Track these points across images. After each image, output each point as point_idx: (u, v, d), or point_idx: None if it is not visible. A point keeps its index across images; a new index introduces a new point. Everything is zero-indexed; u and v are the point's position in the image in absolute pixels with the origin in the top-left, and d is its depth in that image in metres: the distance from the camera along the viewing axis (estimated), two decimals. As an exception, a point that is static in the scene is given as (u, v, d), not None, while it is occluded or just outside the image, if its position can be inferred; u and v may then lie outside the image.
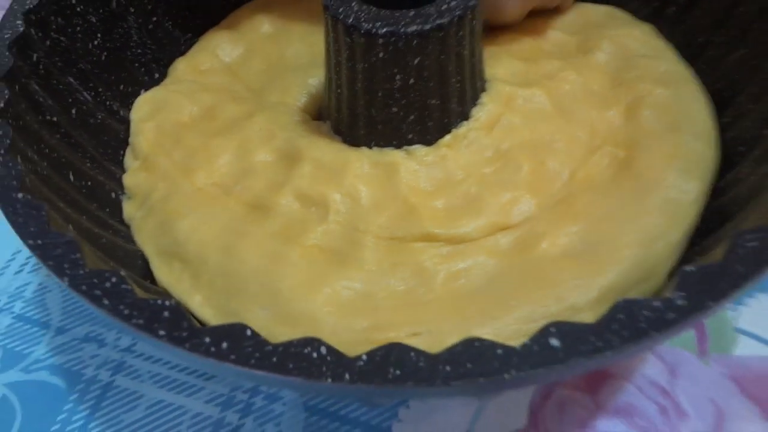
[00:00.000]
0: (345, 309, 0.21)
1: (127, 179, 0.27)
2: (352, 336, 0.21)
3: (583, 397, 0.24)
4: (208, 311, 0.23)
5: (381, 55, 0.22)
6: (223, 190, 0.25)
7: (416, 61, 0.22)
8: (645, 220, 0.22)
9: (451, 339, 0.20)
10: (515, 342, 0.20)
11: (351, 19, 0.21)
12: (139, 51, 0.30)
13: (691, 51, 0.27)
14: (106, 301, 0.16)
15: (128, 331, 0.15)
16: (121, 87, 0.29)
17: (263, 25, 0.32)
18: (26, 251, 0.31)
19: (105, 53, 0.28)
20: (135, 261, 0.24)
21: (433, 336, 0.20)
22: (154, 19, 0.30)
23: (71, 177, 0.24)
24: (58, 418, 0.26)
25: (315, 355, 0.14)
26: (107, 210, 0.25)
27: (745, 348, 0.24)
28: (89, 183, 0.25)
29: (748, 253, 0.16)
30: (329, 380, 0.14)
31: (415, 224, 0.23)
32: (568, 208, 0.23)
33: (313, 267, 0.22)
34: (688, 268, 0.15)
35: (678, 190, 0.22)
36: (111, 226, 0.24)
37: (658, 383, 0.24)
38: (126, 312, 0.15)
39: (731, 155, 0.24)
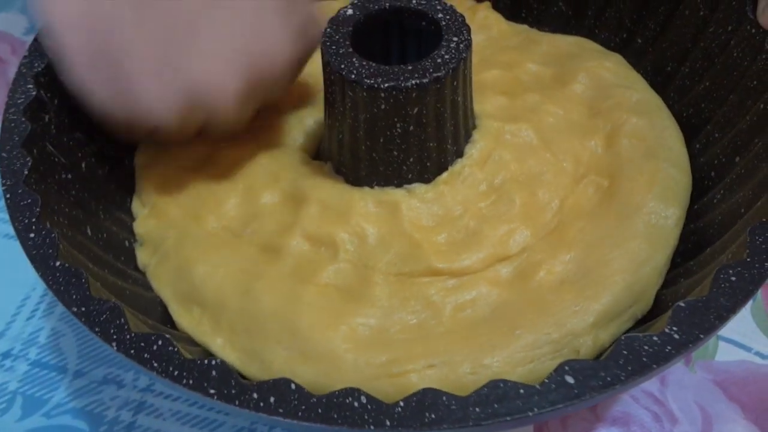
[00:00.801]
0: (363, 345, 0.23)
1: (138, 227, 0.28)
2: (373, 371, 0.22)
3: (583, 409, 0.26)
4: (230, 353, 0.24)
5: (383, 106, 0.23)
6: (233, 233, 0.26)
7: (415, 110, 0.24)
8: (631, 246, 0.24)
9: (464, 368, 0.22)
10: (524, 368, 0.22)
11: (354, 75, 0.23)
12: (137, 98, 0.31)
13: (659, 80, 0.29)
14: (155, 364, 0.17)
15: (179, 390, 0.17)
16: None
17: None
18: (35, 297, 0.32)
19: (107, 104, 0.29)
20: (155, 308, 0.25)
21: (448, 367, 0.22)
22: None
23: (89, 231, 0.25)
24: (85, 461, 0.27)
25: (356, 404, 0.16)
26: (122, 258, 0.26)
27: (726, 354, 0.27)
28: (104, 234, 0.26)
29: (730, 287, 0.18)
30: (372, 427, 0.16)
31: (421, 259, 0.24)
32: (561, 236, 0.25)
33: (329, 305, 0.24)
34: (680, 303, 0.17)
35: (659, 215, 0.24)
36: (129, 275, 0.25)
37: (650, 392, 0.26)
38: (176, 374, 0.17)
39: (703, 179, 0.26)
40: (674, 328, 0.17)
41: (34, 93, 0.24)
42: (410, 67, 0.23)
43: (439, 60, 0.23)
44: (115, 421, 0.28)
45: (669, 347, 0.17)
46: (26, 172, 0.22)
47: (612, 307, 0.23)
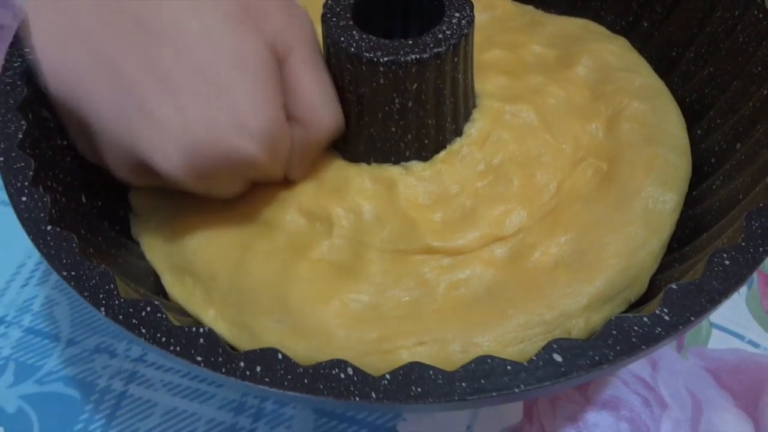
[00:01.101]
0: (354, 321, 0.23)
1: (133, 197, 0.28)
2: (363, 347, 0.22)
3: (573, 392, 0.26)
4: (221, 325, 0.24)
5: (382, 81, 0.23)
6: (228, 206, 0.26)
7: (414, 86, 0.23)
8: (628, 230, 0.23)
9: (455, 346, 0.22)
10: (514, 348, 0.22)
11: (353, 48, 0.23)
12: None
13: (664, 65, 0.29)
14: (143, 330, 0.17)
15: (166, 356, 0.17)
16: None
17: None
18: (30, 265, 0.32)
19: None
20: (148, 277, 0.25)
21: (439, 344, 0.22)
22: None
23: (83, 198, 0.25)
24: (75, 428, 0.27)
25: (342, 375, 0.16)
26: (117, 228, 0.26)
27: (719, 341, 0.27)
28: (99, 203, 0.26)
29: (723, 270, 0.18)
30: (357, 399, 0.16)
31: (416, 237, 0.24)
32: (557, 218, 0.25)
33: (322, 280, 0.24)
34: (672, 286, 0.17)
35: (656, 200, 0.24)
36: (123, 244, 0.25)
37: (641, 377, 0.26)
38: (164, 340, 0.17)
39: (703, 166, 0.26)
40: (665, 310, 0.17)
41: (30, 57, 0.24)
42: (410, 42, 0.23)
43: (440, 35, 0.23)
44: (106, 390, 0.28)
45: (659, 329, 0.17)
46: (20, 136, 0.22)
47: (606, 290, 0.23)
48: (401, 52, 0.23)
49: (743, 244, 0.18)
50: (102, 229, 0.24)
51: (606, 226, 0.24)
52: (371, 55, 0.23)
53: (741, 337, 0.27)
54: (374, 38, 0.23)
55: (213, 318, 0.24)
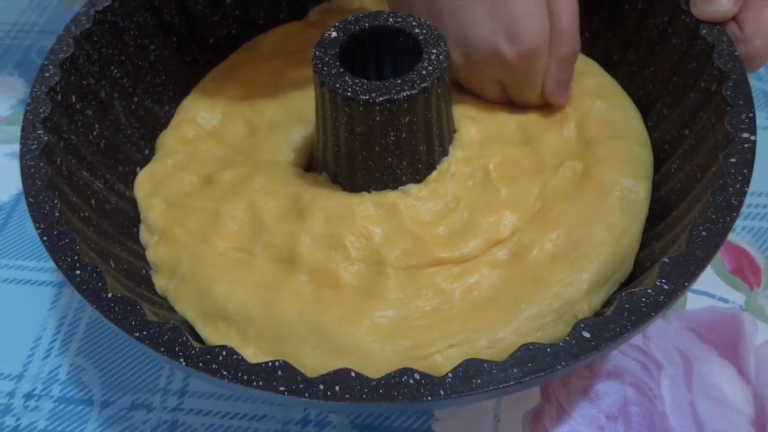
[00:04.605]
0: (386, 335, 0.25)
1: (150, 255, 0.29)
2: (400, 357, 0.24)
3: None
4: (262, 359, 0.26)
5: (377, 118, 0.26)
6: (245, 252, 0.28)
7: (407, 119, 0.26)
8: (610, 220, 0.27)
9: (481, 344, 0.25)
10: (533, 337, 0.25)
11: (350, 93, 0.25)
12: (128, 132, 0.32)
13: (609, 67, 0.33)
14: (225, 372, 0.19)
15: (250, 393, 0.19)
16: (120, 168, 0.31)
17: (232, 90, 0.35)
18: (47, 336, 0.33)
19: (103, 141, 0.30)
20: (185, 327, 0.27)
21: (466, 344, 0.24)
22: (136, 99, 0.33)
23: (112, 264, 0.26)
24: (127, 484, 0.28)
25: (411, 381, 0.18)
26: (143, 287, 0.28)
27: (694, 303, 0.31)
28: (125, 266, 0.27)
29: (702, 241, 0.21)
30: (428, 398, 0.18)
31: (425, 252, 0.27)
32: (546, 217, 0.28)
33: (349, 304, 0.26)
34: (665, 260, 0.21)
35: (630, 190, 0.27)
36: (155, 301, 0.27)
37: (636, 345, 0.29)
38: (245, 378, 0.19)
39: (658, 152, 0.30)
40: (663, 281, 0.20)
41: (45, 139, 0.25)
42: (399, 81, 0.26)
43: (423, 72, 0.26)
44: (150, 442, 0.29)
45: (662, 297, 0.20)
46: (57, 215, 0.23)
47: (600, 275, 0.26)
48: (393, 91, 0.25)
49: (713, 216, 0.22)
50: (138, 292, 0.26)
51: (591, 219, 0.27)
52: (367, 96, 0.25)
53: (712, 296, 0.31)
54: (366, 81, 0.26)
55: (253, 355, 0.26)
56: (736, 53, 0.26)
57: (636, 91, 0.32)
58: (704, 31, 0.27)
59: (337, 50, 0.27)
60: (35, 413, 0.30)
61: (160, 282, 0.28)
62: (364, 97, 0.25)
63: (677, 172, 0.28)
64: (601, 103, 0.30)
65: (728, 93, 0.25)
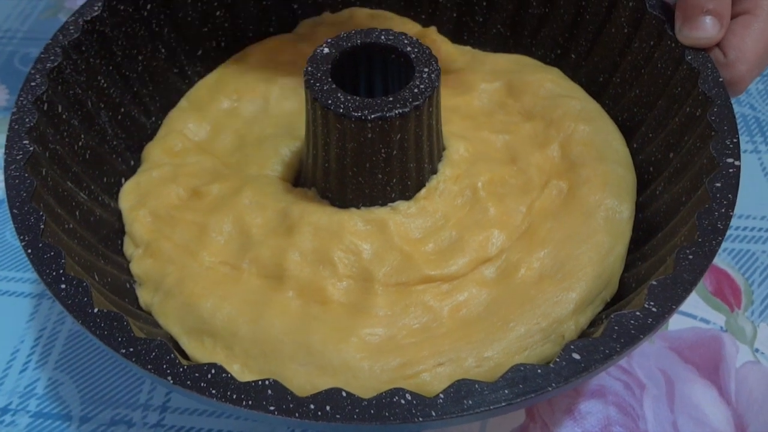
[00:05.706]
0: (375, 353, 0.25)
1: (135, 267, 0.29)
2: (388, 375, 0.24)
3: (566, 387, 0.29)
4: (248, 376, 0.25)
5: (369, 135, 0.26)
6: (232, 267, 0.28)
7: (398, 137, 0.26)
8: (595, 239, 0.27)
9: (469, 363, 0.25)
10: (520, 356, 0.25)
11: (342, 110, 0.25)
12: (114, 143, 0.32)
13: (594, 90, 0.33)
14: (213, 391, 0.19)
15: (239, 412, 0.18)
16: (105, 179, 0.31)
17: (221, 102, 0.35)
18: (25, 349, 0.32)
19: (88, 151, 0.30)
20: (170, 342, 0.26)
21: (455, 363, 0.24)
22: (122, 109, 0.32)
23: (96, 277, 0.26)
24: (106, 501, 0.27)
25: (403, 401, 0.18)
26: (126, 300, 0.27)
27: (677, 323, 0.31)
28: (109, 279, 0.27)
29: (689, 264, 0.21)
30: (420, 419, 0.18)
31: (414, 269, 0.27)
32: (533, 236, 0.28)
33: (337, 321, 0.26)
34: (653, 282, 0.21)
35: (614, 210, 0.28)
36: (139, 315, 0.26)
37: (619, 364, 0.29)
38: (234, 397, 0.18)
39: (643, 174, 0.30)
40: (651, 303, 0.20)
41: (31, 149, 0.25)
42: (392, 99, 0.26)
43: (415, 90, 0.26)
44: (130, 458, 0.28)
45: (650, 319, 0.20)
46: (42, 227, 0.23)
47: (587, 294, 0.26)
48: (385, 109, 0.25)
49: (700, 240, 0.22)
50: (122, 306, 0.25)
51: (576, 239, 0.27)
52: (359, 114, 0.25)
53: (694, 317, 0.31)
54: (358, 98, 0.26)
55: (239, 371, 0.25)
56: (720, 79, 0.27)
57: (621, 113, 0.32)
58: (689, 57, 0.28)
59: (329, 66, 0.27)
60: (11, 428, 0.29)
61: (144, 295, 0.28)
62: (356, 114, 0.25)
63: (662, 194, 0.28)
64: (584, 126, 0.30)
65: (713, 119, 0.26)
